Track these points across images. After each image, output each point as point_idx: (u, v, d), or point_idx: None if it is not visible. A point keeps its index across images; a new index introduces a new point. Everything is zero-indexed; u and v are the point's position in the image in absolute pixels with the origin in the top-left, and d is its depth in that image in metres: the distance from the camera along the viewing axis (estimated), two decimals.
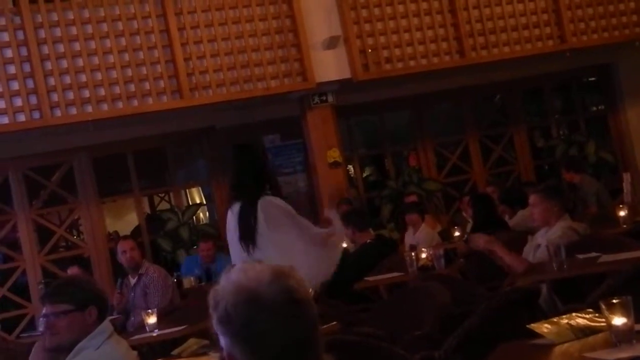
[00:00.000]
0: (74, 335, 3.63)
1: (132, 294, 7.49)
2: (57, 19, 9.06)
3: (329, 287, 6.92)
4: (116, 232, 13.38)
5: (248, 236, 5.42)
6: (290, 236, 5.48)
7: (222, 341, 1.92)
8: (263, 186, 5.52)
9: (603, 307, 2.94)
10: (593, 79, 13.29)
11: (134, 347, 5.17)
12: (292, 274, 1.94)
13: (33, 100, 8.90)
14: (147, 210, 13.75)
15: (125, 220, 14.54)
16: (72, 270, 8.63)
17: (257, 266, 1.95)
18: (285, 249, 5.36)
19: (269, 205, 5.38)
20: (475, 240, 5.89)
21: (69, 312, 3.60)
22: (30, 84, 8.90)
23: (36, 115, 8.90)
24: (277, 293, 1.89)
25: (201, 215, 12.52)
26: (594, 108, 13.65)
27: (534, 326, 3.32)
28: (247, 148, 5.85)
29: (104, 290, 3.85)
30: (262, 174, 5.60)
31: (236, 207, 5.52)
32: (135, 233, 11.10)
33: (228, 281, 1.93)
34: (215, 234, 10.29)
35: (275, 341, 1.87)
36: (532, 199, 5.94)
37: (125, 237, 8.34)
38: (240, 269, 1.94)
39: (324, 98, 10.23)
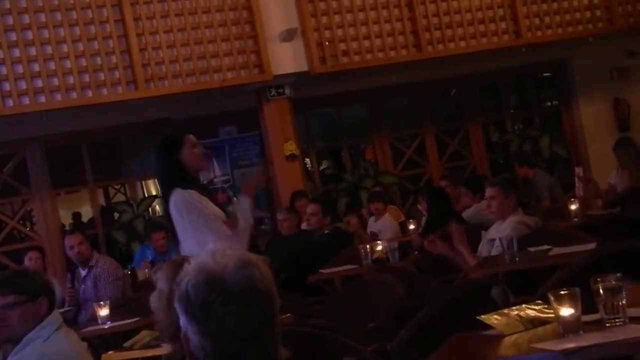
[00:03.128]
0: (26, 326, 3.59)
1: (83, 286, 7.42)
2: (9, 6, 8.93)
3: (285, 278, 6.93)
4: (72, 225, 13.25)
5: (171, 230, 5.37)
6: (201, 229, 5.32)
7: (182, 319, 1.92)
8: (175, 180, 5.36)
9: (551, 298, 2.97)
10: (548, 74, 13.43)
11: (85, 339, 5.15)
12: (258, 264, 1.95)
13: None
14: (102, 202, 13.60)
15: (81, 211, 14.40)
16: (32, 255, 8.54)
17: (227, 251, 1.95)
18: (200, 241, 5.25)
19: (178, 199, 5.27)
20: (432, 246, 5.92)
21: (21, 303, 3.57)
22: None
23: None
24: (239, 279, 1.90)
25: (157, 207, 12.44)
26: (549, 103, 13.80)
27: (484, 318, 3.35)
28: (163, 142, 5.67)
29: (51, 282, 3.82)
30: (174, 168, 5.40)
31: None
32: (89, 225, 11.01)
33: (195, 261, 1.94)
34: (169, 225, 10.22)
35: (229, 327, 1.87)
36: (491, 191, 5.97)
37: (72, 232, 8.25)
38: (209, 252, 1.96)
39: (281, 90, 10.20)
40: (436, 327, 4.27)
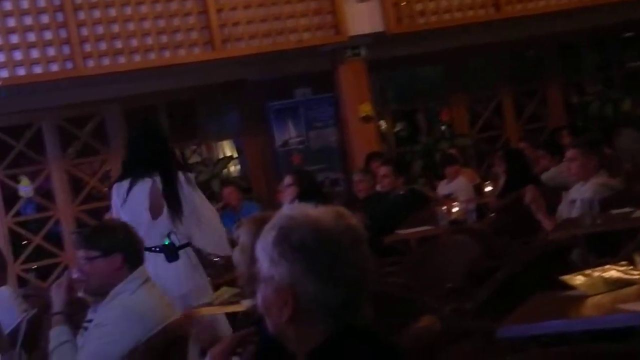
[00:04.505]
0: (100, 280, 3.71)
1: None
2: None
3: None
4: None
5: (176, 206, 5.41)
6: (206, 207, 5.68)
7: (283, 271, 1.93)
8: (174, 160, 5.64)
9: (637, 259, 2.92)
10: (630, 34, 13.06)
11: None
12: (350, 215, 1.98)
13: (66, 50, 8.91)
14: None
15: None
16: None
17: (311, 206, 1.97)
18: (204, 219, 5.58)
19: (190, 178, 5.52)
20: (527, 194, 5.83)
21: (94, 258, 3.68)
22: (63, 33, 8.92)
23: (69, 65, 8.92)
24: (345, 230, 1.93)
25: (232, 168, 12.54)
26: (631, 64, 13.43)
27: (567, 278, 3.31)
28: (151, 125, 5.95)
29: (135, 238, 3.87)
30: (169, 149, 5.67)
31: (148, 182, 5.44)
32: None
33: (296, 214, 1.95)
34: (244, 185, 10.35)
35: (345, 274, 1.90)
36: (571, 153, 5.89)
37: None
38: (301, 208, 1.97)
39: (357, 51, 10.16)
40: (514, 288, 4.24)
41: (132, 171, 5.49)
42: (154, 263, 5.02)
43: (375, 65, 10.70)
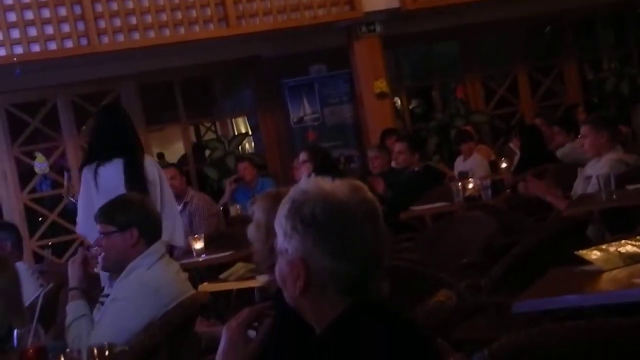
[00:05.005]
0: (116, 255, 3.73)
1: None
2: None
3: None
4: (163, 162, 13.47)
5: (140, 188, 5.41)
6: (168, 193, 5.75)
7: (296, 245, 1.93)
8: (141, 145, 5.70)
9: None
10: None
11: None
12: (365, 188, 1.98)
13: (80, 26, 8.92)
14: (194, 139, 13.79)
15: (172, 149, 14.64)
16: None
17: (328, 180, 1.97)
18: (169, 204, 5.70)
19: (158, 166, 5.69)
20: (526, 187, 5.84)
21: (110, 233, 3.69)
22: (77, 10, 8.92)
23: (84, 41, 8.93)
24: (360, 202, 1.93)
25: (247, 145, 12.56)
26: None
27: (583, 253, 3.31)
28: (117, 109, 6.12)
29: (152, 214, 3.88)
30: (134, 133, 5.76)
31: (114, 164, 5.47)
32: (182, 162, 11.18)
33: (309, 188, 1.95)
34: (259, 162, 10.36)
35: (358, 248, 1.90)
36: (583, 129, 5.88)
37: (166, 166, 8.40)
38: (316, 181, 1.97)
39: (372, 28, 10.12)
40: (530, 264, 4.23)
41: (98, 154, 5.53)
42: None
43: (391, 42, 10.66)
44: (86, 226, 5.35)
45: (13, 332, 2.79)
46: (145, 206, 3.86)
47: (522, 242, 4.33)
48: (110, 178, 5.40)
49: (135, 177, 5.41)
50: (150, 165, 5.56)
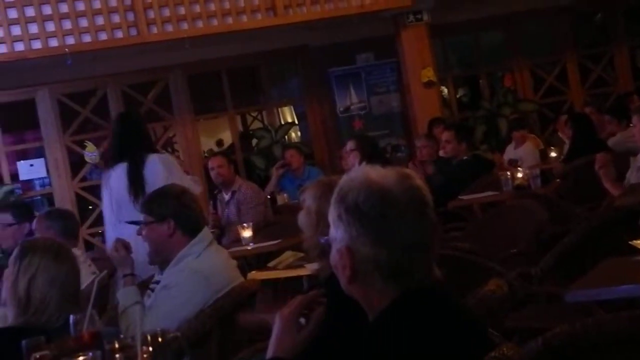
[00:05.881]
0: (155, 245, 3.78)
1: (227, 210, 7.61)
2: None
3: None
4: (211, 151, 13.56)
5: (137, 188, 5.66)
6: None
7: (342, 233, 1.94)
8: (147, 146, 5.97)
9: None
10: None
11: None
12: (414, 176, 1.97)
13: (130, 17, 8.99)
14: (240, 128, 13.86)
15: (219, 138, 14.73)
16: None
17: (378, 167, 1.97)
18: None
19: (165, 159, 5.90)
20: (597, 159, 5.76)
21: (150, 223, 3.75)
22: (127, 1, 8.99)
23: (133, 32, 9.00)
24: (406, 190, 1.92)
25: (293, 134, 12.58)
26: None
27: (636, 243, 3.27)
28: (128, 115, 6.54)
29: (189, 205, 3.88)
30: (146, 136, 6.13)
31: (122, 166, 5.77)
32: (229, 151, 11.23)
33: (356, 176, 1.96)
34: (306, 151, 10.39)
35: (404, 237, 1.89)
36: (634, 119, 5.79)
37: (215, 154, 8.46)
38: (364, 169, 1.97)
39: (419, 16, 10.07)
40: (581, 253, 4.20)
41: (110, 160, 6.01)
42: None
43: (438, 30, 10.60)
44: (109, 226, 5.79)
45: (69, 322, 2.83)
46: (183, 198, 3.88)
47: (574, 231, 4.30)
48: (115, 181, 5.75)
49: (135, 179, 5.69)
50: (152, 164, 5.73)
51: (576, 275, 3.46)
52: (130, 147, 5.77)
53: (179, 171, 5.94)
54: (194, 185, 5.82)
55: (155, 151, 6.10)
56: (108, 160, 6.17)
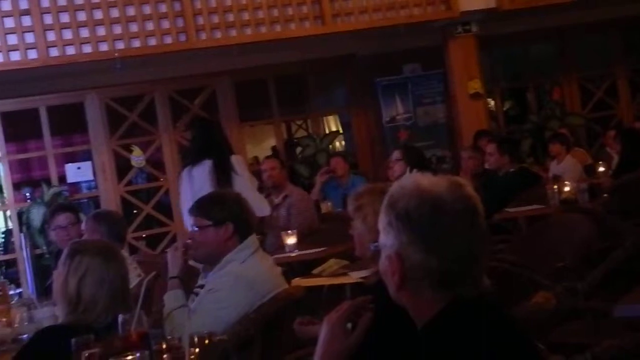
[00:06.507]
0: (209, 248, 3.78)
1: (275, 214, 7.62)
2: None
3: None
4: (255, 158, 13.61)
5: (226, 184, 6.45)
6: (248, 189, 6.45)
7: (392, 240, 1.94)
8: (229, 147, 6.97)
9: None
10: None
11: None
12: (466, 184, 1.96)
13: (179, 23, 9.07)
14: (285, 136, 13.90)
15: (263, 145, 14.77)
16: None
17: (430, 175, 1.97)
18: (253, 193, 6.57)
19: (242, 161, 6.93)
20: None
21: (205, 226, 3.75)
22: (177, 7, 9.07)
23: (182, 38, 9.08)
24: (458, 199, 1.91)
25: (337, 144, 12.59)
26: None
27: None
28: (210, 120, 7.91)
29: (246, 209, 3.91)
30: (227, 138, 7.24)
31: (206, 163, 6.62)
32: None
33: (407, 183, 1.96)
34: (351, 160, 10.38)
35: (454, 245, 1.89)
36: None
37: (268, 157, 8.53)
38: (415, 177, 1.97)
39: (467, 27, 10.03)
40: (629, 269, 4.15)
41: (190, 158, 6.82)
42: None
43: (486, 42, 10.55)
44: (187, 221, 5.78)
45: (117, 321, 2.86)
46: (241, 202, 3.91)
47: (622, 247, 4.24)
48: (198, 176, 6.50)
49: (222, 174, 6.47)
50: (236, 163, 6.66)
51: (622, 291, 3.42)
52: (216, 147, 6.63)
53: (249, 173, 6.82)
54: (262, 203, 6.70)
55: (233, 153, 6.91)
56: (187, 158, 6.98)
